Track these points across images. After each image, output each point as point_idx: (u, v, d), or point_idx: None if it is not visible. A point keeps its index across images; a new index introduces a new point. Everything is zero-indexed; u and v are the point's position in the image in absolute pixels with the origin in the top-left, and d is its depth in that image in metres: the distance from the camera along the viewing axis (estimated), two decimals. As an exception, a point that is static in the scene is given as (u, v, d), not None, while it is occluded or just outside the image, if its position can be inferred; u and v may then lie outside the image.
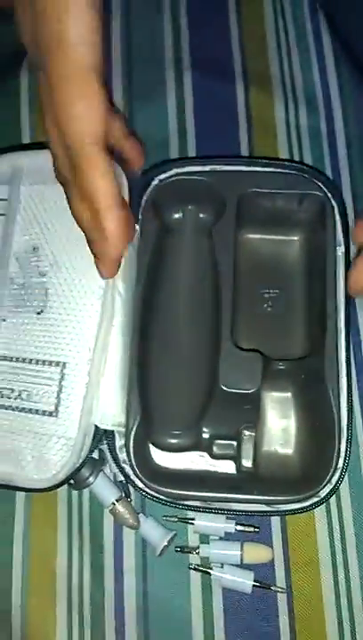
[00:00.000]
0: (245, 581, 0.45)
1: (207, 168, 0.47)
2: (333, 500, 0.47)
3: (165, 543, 0.46)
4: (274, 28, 0.60)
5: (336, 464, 0.41)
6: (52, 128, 0.39)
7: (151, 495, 0.43)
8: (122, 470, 0.43)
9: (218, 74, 0.58)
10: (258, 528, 0.46)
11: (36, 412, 0.43)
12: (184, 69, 0.58)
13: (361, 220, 0.45)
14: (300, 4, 0.61)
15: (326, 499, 0.41)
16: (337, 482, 0.41)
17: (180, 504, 0.43)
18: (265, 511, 0.42)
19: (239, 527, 0.46)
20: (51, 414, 0.43)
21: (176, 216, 0.49)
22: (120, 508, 0.46)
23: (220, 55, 0.59)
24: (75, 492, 0.49)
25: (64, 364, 0.43)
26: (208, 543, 0.46)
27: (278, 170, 0.47)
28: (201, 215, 0.49)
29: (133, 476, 0.43)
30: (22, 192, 0.48)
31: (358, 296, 0.46)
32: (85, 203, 0.39)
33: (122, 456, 0.44)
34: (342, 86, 0.58)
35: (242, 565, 0.46)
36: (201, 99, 0.57)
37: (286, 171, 0.47)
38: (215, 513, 0.43)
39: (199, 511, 0.43)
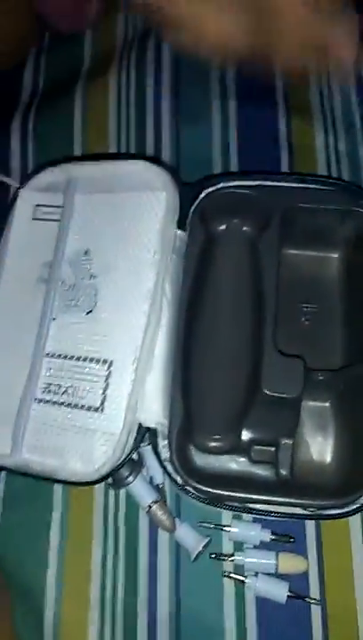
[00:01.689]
0: (280, 591, 0.45)
1: (254, 183, 0.49)
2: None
3: (200, 549, 0.46)
4: (315, 56, 0.63)
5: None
6: None
7: (191, 493, 0.43)
8: (164, 468, 0.44)
9: (261, 98, 0.61)
10: (293, 538, 0.46)
11: (82, 407, 0.44)
12: (229, 94, 0.61)
13: None
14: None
15: (367, 505, 0.42)
16: (379, 489, 0.41)
17: (218, 503, 0.43)
18: (303, 515, 0.42)
19: (274, 536, 0.46)
20: (96, 410, 0.44)
21: (221, 227, 0.51)
22: (157, 509, 0.46)
23: (263, 81, 0.61)
24: (111, 497, 0.49)
25: (111, 361, 0.44)
26: (243, 551, 0.47)
27: (323, 187, 0.49)
28: (245, 228, 0.50)
29: (174, 474, 0.43)
30: (76, 200, 0.50)
31: None
32: None
33: (164, 454, 0.44)
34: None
35: (276, 575, 0.46)
36: (244, 122, 0.60)
37: (330, 188, 0.49)
38: (252, 514, 0.43)
39: (237, 511, 0.43)
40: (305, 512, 0.42)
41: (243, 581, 0.46)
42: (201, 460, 0.46)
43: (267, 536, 0.46)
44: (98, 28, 0.67)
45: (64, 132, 0.62)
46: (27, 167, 0.62)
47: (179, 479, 0.43)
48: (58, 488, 0.50)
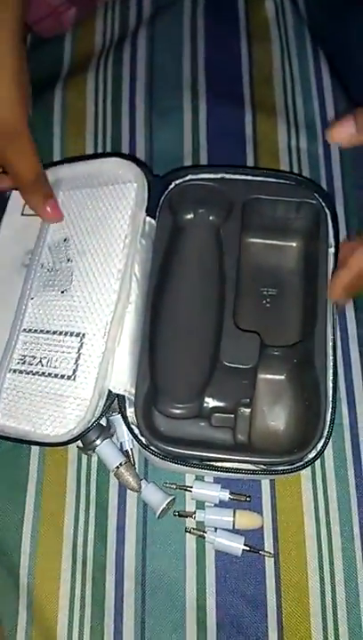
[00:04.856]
0: (236, 545, 0.49)
1: (218, 175, 0.54)
2: (318, 474, 0.52)
3: (164, 505, 0.50)
4: (280, 62, 0.68)
5: (322, 433, 0.46)
6: None
7: (155, 452, 0.47)
8: (131, 431, 0.48)
9: (229, 100, 0.65)
10: (250, 497, 0.51)
11: (55, 375, 0.49)
12: (200, 94, 0.66)
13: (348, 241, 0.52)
14: (303, 44, 0.68)
15: (311, 461, 0.46)
16: (322, 448, 0.46)
17: (179, 460, 0.47)
18: (256, 471, 0.47)
19: (232, 495, 0.51)
20: (69, 378, 0.48)
21: (188, 216, 0.56)
22: (124, 471, 0.51)
23: (231, 84, 0.66)
24: (83, 460, 0.54)
25: (83, 334, 0.49)
26: (204, 509, 0.51)
27: (280, 180, 0.54)
28: (210, 217, 0.55)
29: (140, 436, 0.48)
30: (60, 196, 0.55)
31: (338, 301, 0.51)
32: None
33: (131, 419, 0.48)
34: (338, 116, 0.65)
35: (234, 530, 0.50)
36: (213, 121, 0.65)
37: (287, 181, 0.54)
38: (210, 470, 0.47)
39: (196, 468, 0.47)
40: (257, 468, 0.47)
41: (203, 536, 0.50)
42: (165, 424, 0.50)
43: (226, 495, 0.51)
44: (77, 31, 0.72)
45: (44, 128, 0.66)
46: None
47: (143, 440, 0.48)
48: (35, 453, 0.54)
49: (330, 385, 0.48)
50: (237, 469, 0.47)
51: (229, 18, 0.70)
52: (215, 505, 0.51)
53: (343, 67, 0.68)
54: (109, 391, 0.48)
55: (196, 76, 0.67)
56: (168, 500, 0.51)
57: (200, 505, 0.52)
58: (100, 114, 0.66)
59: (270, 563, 0.50)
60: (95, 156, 0.65)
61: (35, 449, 0.54)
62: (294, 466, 0.46)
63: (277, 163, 0.63)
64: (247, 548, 0.49)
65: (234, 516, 0.50)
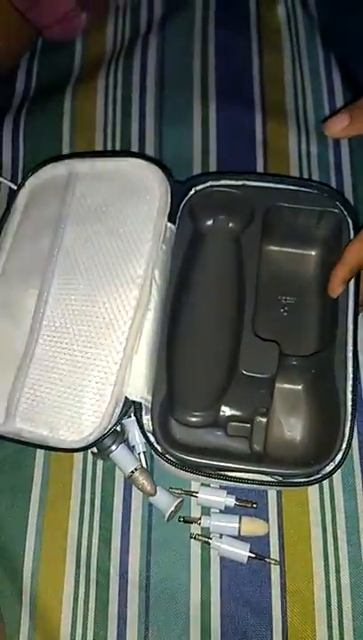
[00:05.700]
0: (241, 552, 0.50)
1: (239, 182, 0.53)
2: (325, 481, 0.51)
3: (173, 508, 0.50)
4: (291, 67, 0.67)
5: (340, 445, 0.46)
6: None
7: (171, 460, 0.47)
8: (147, 438, 0.47)
9: (240, 104, 0.65)
10: (256, 503, 0.51)
11: (73, 381, 0.48)
12: (210, 98, 0.65)
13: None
14: (315, 49, 0.68)
15: (329, 474, 0.46)
16: (340, 461, 0.46)
17: (194, 470, 0.47)
18: (272, 482, 0.47)
19: (238, 501, 0.51)
20: (86, 385, 0.47)
21: (208, 223, 0.55)
22: (139, 475, 0.50)
23: (242, 88, 0.66)
24: (88, 465, 0.53)
25: (101, 341, 0.48)
26: (209, 515, 0.51)
27: (302, 188, 0.53)
28: (230, 224, 0.55)
29: (155, 444, 0.47)
30: (77, 192, 0.54)
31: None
32: None
33: (147, 426, 0.48)
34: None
35: (239, 537, 0.50)
36: (223, 125, 0.64)
37: (309, 190, 0.53)
38: (226, 480, 0.47)
39: (212, 478, 0.47)
40: (273, 480, 0.47)
41: (208, 542, 0.50)
42: (181, 432, 0.49)
43: (232, 501, 0.51)
44: (87, 37, 0.71)
45: (53, 132, 0.66)
46: (17, 163, 0.66)
47: (160, 448, 0.47)
48: (40, 458, 0.54)
49: (350, 396, 0.47)
50: (252, 480, 0.47)
51: (240, 23, 0.69)
52: (221, 511, 0.51)
53: (355, 71, 0.68)
54: (126, 398, 0.47)
55: (206, 83, 0.66)
56: (177, 503, 0.50)
57: (206, 511, 0.52)
58: (110, 120, 0.66)
59: (275, 570, 0.50)
60: (114, 153, 0.64)
61: (39, 453, 0.54)
62: (312, 478, 0.46)
63: (287, 167, 0.63)
64: (253, 555, 0.50)
65: (240, 523, 0.50)
